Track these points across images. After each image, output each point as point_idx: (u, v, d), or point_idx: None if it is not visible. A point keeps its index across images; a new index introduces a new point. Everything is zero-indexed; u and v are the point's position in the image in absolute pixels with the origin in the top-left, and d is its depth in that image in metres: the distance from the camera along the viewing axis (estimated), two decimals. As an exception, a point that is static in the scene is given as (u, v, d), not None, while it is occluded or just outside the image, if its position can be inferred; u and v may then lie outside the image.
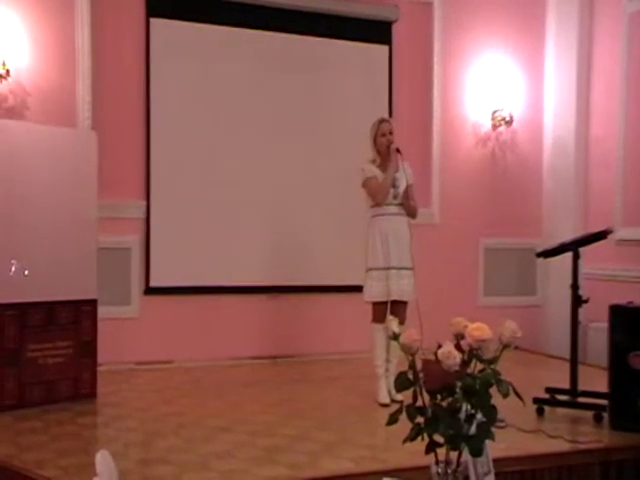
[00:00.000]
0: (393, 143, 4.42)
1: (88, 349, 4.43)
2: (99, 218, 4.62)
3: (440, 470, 2.09)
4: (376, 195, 4.41)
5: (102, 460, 1.86)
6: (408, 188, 4.48)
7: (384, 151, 4.45)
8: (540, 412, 4.07)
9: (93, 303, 4.46)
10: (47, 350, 4.25)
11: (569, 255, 4.17)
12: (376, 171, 4.44)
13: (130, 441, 3.66)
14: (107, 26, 5.42)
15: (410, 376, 2.12)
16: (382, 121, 4.52)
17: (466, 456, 2.13)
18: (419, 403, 2.11)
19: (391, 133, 4.45)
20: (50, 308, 4.26)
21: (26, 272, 4.12)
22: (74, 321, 4.37)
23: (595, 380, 4.27)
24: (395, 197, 4.43)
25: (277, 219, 5.90)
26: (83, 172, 4.44)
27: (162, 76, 5.59)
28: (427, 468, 2.16)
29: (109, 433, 3.81)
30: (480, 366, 2.15)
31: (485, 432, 2.10)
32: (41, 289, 4.21)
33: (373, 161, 4.50)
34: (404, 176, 4.44)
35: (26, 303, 4.15)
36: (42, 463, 3.20)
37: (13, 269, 4.09)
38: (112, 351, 5.13)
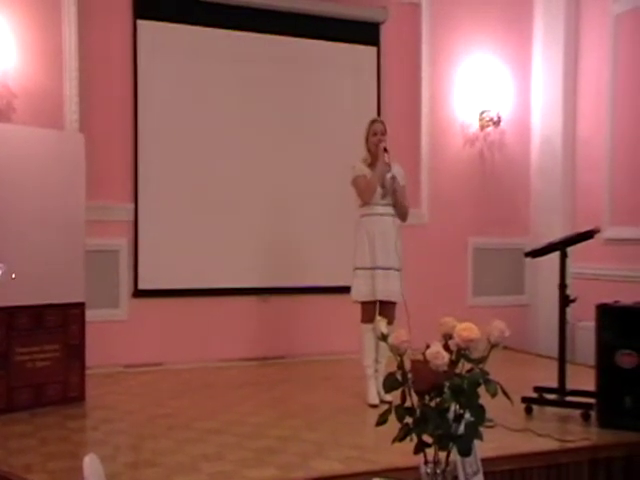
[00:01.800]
0: (383, 142, 4.45)
1: (76, 352, 4.40)
2: (87, 221, 4.59)
3: (429, 470, 2.10)
4: (363, 193, 4.43)
5: (90, 463, 1.85)
6: (401, 189, 4.51)
7: (374, 150, 4.48)
8: (529, 411, 4.10)
9: (81, 306, 4.43)
10: (35, 353, 4.22)
11: (557, 254, 4.19)
12: (366, 170, 4.47)
13: (119, 444, 3.65)
14: (94, 28, 5.40)
15: (399, 376, 2.13)
16: (374, 121, 4.58)
17: (455, 456, 2.14)
18: (408, 403, 2.12)
19: (383, 134, 4.48)
20: (38, 311, 4.23)
21: (13, 275, 4.10)
22: (62, 324, 4.34)
23: (583, 379, 4.29)
24: (383, 197, 4.45)
25: (266, 220, 5.89)
26: (70, 174, 4.41)
27: (149, 78, 5.57)
28: (416, 468, 2.17)
29: (98, 436, 3.79)
30: (468, 366, 2.16)
31: (473, 432, 2.11)
32: (29, 292, 4.18)
33: (364, 160, 4.53)
34: (399, 178, 4.49)
35: (13, 307, 4.12)
36: (30, 467, 3.18)
37: (0, 272, 4.06)
38: (101, 354, 5.11)
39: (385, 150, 4.43)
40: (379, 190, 4.43)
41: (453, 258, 6.50)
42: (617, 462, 3.55)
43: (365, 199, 4.43)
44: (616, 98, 5.91)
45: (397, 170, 4.52)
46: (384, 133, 4.49)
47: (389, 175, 4.45)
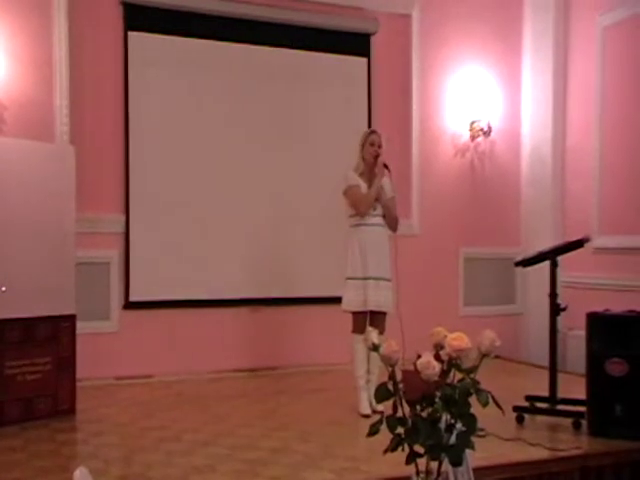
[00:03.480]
0: (381, 156, 4.46)
1: (67, 365, 4.37)
2: (78, 232, 4.58)
3: (421, 480, 2.10)
4: (360, 206, 4.42)
5: (80, 477, 1.84)
6: (390, 200, 4.52)
7: (370, 160, 4.48)
8: (520, 420, 4.10)
9: (72, 319, 4.41)
10: (25, 367, 4.19)
11: (547, 264, 4.21)
12: (359, 180, 4.47)
13: (110, 457, 3.61)
14: (85, 39, 5.41)
15: (390, 387, 2.14)
16: (373, 132, 4.60)
17: (446, 466, 2.14)
18: (399, 414, 2.12)
19: (380, 146, 4.50)
20: (28, 324, 4.20)
21: (3, 289, 4.07)
22: (52, 337, 4.32)
23: (574, 387, 4.31)
24: (374, 208, 4.46)
25: (257, 231, 5.89)
26: (61, 186, 4.40)
27: (140, 89, 5.57)
28: (408, 478, 2.17)
29: (89, 449, 3.76)
30: (460, 376, 2.17)
31: (465, 441, 2.11)
32: (19, 305, 4.15)
33: (356, 169, 4.54)
34: (387, 189, 4.50)
35: (3, 319, 4.09)
36: (20, 481, 3.17)
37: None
38: (91, 366, 5.08)
39: (386, 167, 4.44)
40: None
41: (444, 268, 6.51)
42: (608, 470, 3.56)
43: (362, 211, 4.41)
44: (604, 108, 5.97)
45: (385, 181, 4.52)
46: (380, 146, 4.51)
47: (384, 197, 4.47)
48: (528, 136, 6.74)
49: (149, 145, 5.59)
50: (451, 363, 2.15)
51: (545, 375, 4.26)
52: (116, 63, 5.53)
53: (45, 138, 5.02)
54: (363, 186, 4.46)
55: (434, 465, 2.12)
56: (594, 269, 5.86)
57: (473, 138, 6.59)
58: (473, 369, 2.14)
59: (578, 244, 4.29)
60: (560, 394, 4.13)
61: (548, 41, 6.50)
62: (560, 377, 4.18)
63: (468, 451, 2.17)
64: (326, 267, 5.76)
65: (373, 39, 6.33)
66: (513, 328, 6.50)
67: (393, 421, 2.12)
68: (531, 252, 4.73)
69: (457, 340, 2.14)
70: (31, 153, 4.32)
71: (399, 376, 2.13)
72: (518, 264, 4.60)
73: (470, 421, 2.11)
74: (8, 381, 4.11)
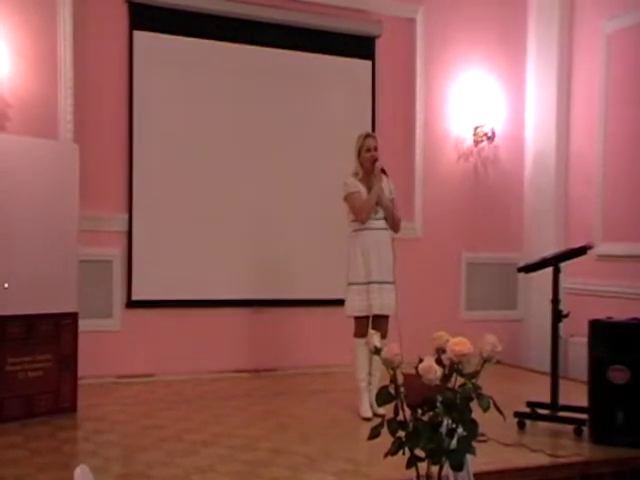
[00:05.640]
0: (378, 161, 4.44)
1: (68, 363, 4.38)
2: (81, 230, 4.58)
3: (421, 484, 2.10)
4: (361, 212, 4.41)
5: (81, 475, 1.84)
6: (391, 201, 4.51)
7: (368, 166, 4.47)
8: (521, 426, 4.09)
9: (74, 316, 4.42)
10: (27, 364, 4.19)
11: (550, 270, 4.21)
12: (359, 186, 4.46)
13: (110, 455, 3.62)
14: (90, 38, 5.41)
15: (392, 390, 2.14)
16: (367, 136, 4.54)
17: (447, 470, 2.14)
18: (400, 417, 2.12)
19: (376, 149, 4.47)
20: (30, 321, 4.21)
21: (6, 285, 4.08)
22: (54, 334, 4.32)
23: (575, 394, 4.31)
24: (376, 212, 4.45)
25: (259, 233, 5.89)
26: (65, 184, 4.41)
27: (145, 89, 5.58)
28: (408, 482, 2.17)
29: (89, 447, 3.77)
30: (461, 380, 2.17)
31: (466, 446, 2.11)
32: (21, 302, 4.16)
33: (355, 174, 4.52)
34: (387, 192, 4.49)
35: (5, 316, 4.10)
36: (21, 478, 3.16)
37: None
38: (93, 364, 5.08)
39: (384, 172, 4.43)
40: None
41: (446, 272, 6.51)
42: (609, 478, 3.56)
43: (362, 218, 4.40)
44: (608, 114, 5.97)
45: (384, 181, 4.50)
46: (377, 149, 4.48)
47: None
48: (532, 141, 6.74)
49: (152, 144, 5.60)
50: (452, 368, 2.15)
51: (546, 381, 4.25)
52: (121, 62, 5.54)
53: (49, 136, 5.02)
54: (363, 191, 4.44)
55: (435, 469, 2.12)
56: (597, 276, 5.86)
57: (477, 143, 6.59)
58: (474, 374, 2.14)
59: (581, 251, 4.28)
60: (561, 400, 4.13)
61: (552, 47, 6.51)
62: (561, 383, 4.18)
63: (469, 456, 2.17)
64: (328, 269, 5.76)
65: (377, 42, 6.34)
66: (514, 333, 6.49)
67: (394, 424, 2.12)
68: (534, 258, 4.73)
69: (459, 345, 2.14)
70: (35, 151, 4.32)
71: (401, 379, 2.13)
72: (521, 270, 4.60)
73: (471, 426, 2.11)
74: (9, 378, 4.12)
